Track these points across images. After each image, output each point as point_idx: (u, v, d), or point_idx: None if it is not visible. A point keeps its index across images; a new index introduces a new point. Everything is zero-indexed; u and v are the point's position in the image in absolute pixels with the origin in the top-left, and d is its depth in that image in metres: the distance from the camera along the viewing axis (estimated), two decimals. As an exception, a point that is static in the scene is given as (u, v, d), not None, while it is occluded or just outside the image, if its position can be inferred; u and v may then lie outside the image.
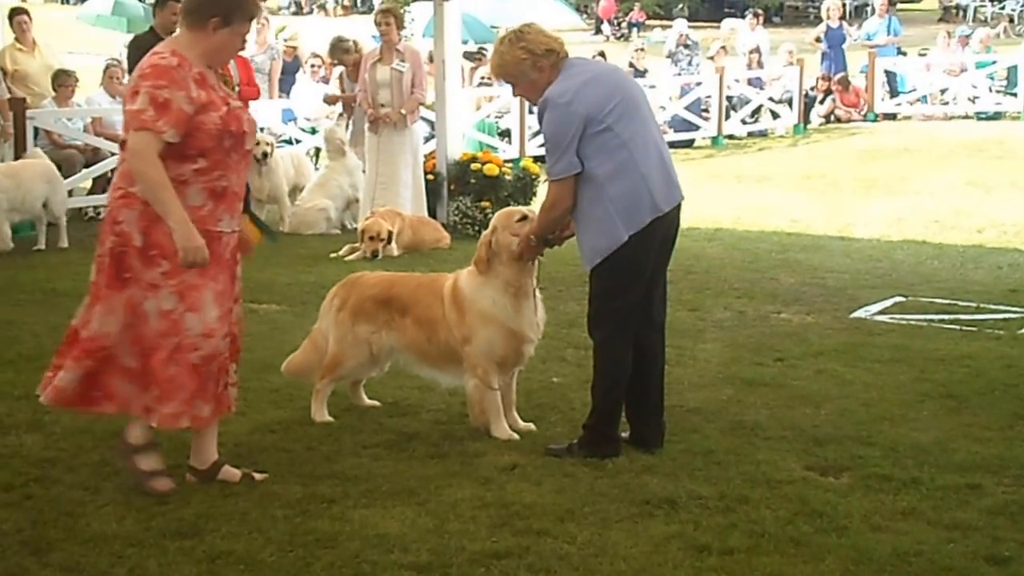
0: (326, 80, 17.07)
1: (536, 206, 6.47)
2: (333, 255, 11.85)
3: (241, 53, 6.41)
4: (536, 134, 17.48)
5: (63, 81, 14.87)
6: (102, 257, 5.25)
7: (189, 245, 5.09)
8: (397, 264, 10.98)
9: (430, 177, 13.22)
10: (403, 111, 12.68)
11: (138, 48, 12.00)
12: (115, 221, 5.19)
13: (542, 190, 13.38)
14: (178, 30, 5.33)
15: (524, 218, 6.19)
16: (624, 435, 6.03)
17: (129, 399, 5.30)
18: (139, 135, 5.09)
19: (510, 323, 6.17)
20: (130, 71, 12.28)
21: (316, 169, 15.34)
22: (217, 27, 5.23)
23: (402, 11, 13.06)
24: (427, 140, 14.50)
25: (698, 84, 22.45)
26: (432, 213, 13.13)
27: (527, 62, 5.90)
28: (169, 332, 5.17)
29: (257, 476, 5.47)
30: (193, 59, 5.21)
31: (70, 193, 14.03)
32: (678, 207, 5.95)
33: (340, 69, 14.56)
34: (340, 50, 14.18)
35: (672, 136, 20.52)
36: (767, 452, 5.97)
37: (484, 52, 21.53)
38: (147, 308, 5.17)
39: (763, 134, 23.20)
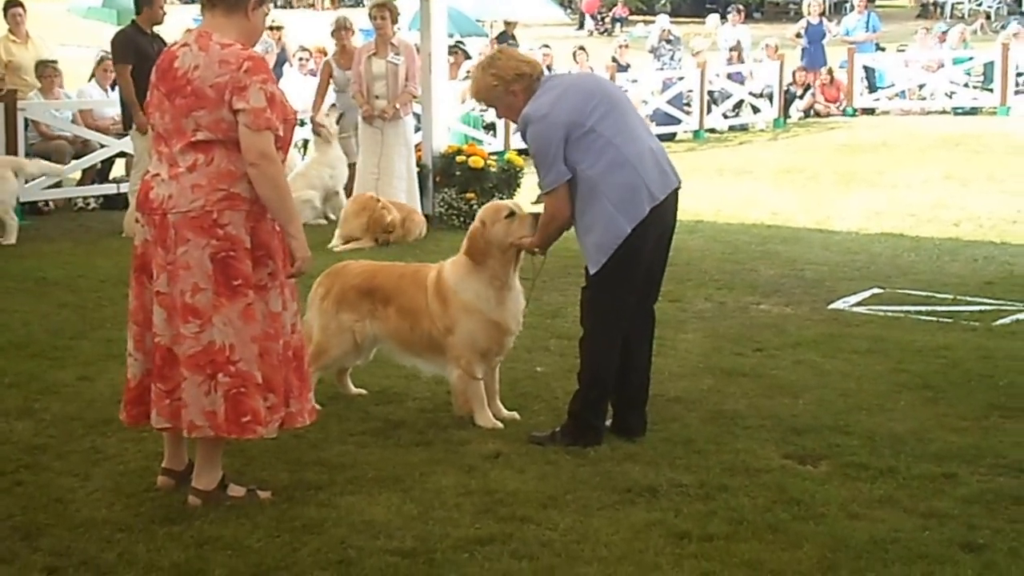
0: (315, 73, 17.02)
1: (520, 199, 6.44)
2: (337, 248, 11.81)
3: None
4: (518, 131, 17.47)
5: (45, 72, 14.85)
6: (189, 265, 4.89)
7: (307, 255, 5.04)
8: (383, 254, 10.96)
9: (417, 169, 13.20)
10: (397, 105, 12.70)
11: (123, 42, 11.99)
12: (217, 224, 4.87)
13: (526, 183, 13.45)
14: (204, 17, 5.08)
15: (512, 214, 6.16)
16: (607, 423, 6.03)
17: (279, 412, 5.09)
18: (265, 136, 4.85)
19: (493, 315, 6.17)
20: (115, 63, 12.37)
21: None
22: (255, 7, 5.06)
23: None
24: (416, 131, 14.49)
25: (680, 79, 22.46)
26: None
27: (499, 88, 5.94)
28: (277, 335, 5.02)
29: (262, 495, 5.22)
30: None
31: (58, 184, 14.03)
32: (675, 194, 5.93)
33: (326, 59, 14.53)
34: (344, 28, 14.08)
35: (654, 129, 20.45)
36: (746, 441, 5.97)
37: (461, 46, 21.49)
38: (256, 311, 4.95)
39: (744, 128, 23.24)
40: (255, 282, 4.94)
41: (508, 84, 5.92)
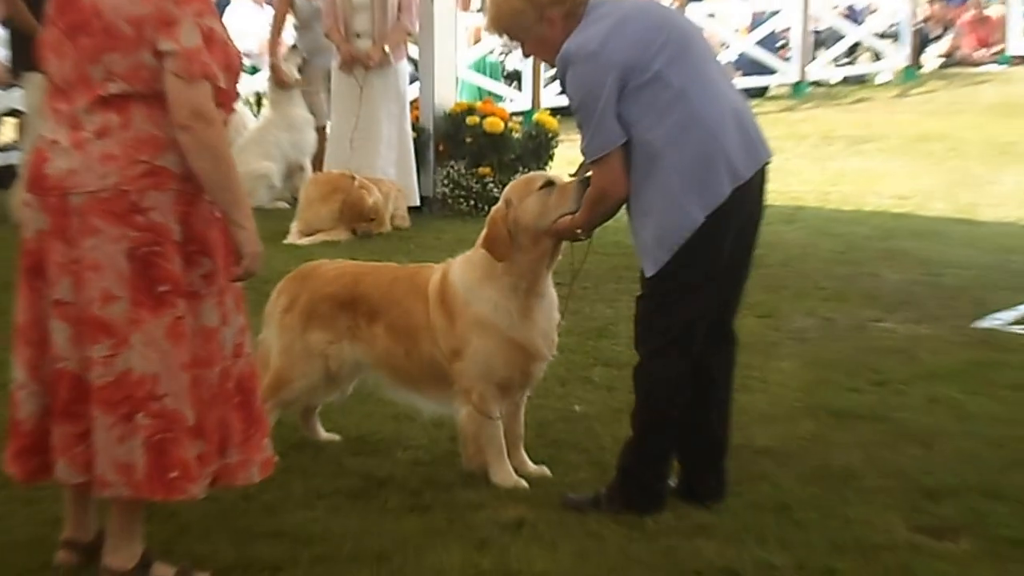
0: (270, 2, 17.07)
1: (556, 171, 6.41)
2: (299, 242, 11.85)
3: None
4: (555, 78, 17.47)
5: None
6: (99, 264, 4.87)
7: (258, 250, 5.03)
8: (365, 250, 10.98)
9: (412, 133, 13.24)
10: (386, 47, 12.70)
11: None
12: (137, 209, 4.85)
13: (563, 153, 13.45)
14: None
15: (549, 184, 6.16)
16: (671, 483, 6.03)
17: (210, 465, 5.09)
18: (200, 88, 4.82)
19: (515, 333, 6.17)
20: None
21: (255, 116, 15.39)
22: None
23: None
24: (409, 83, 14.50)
25: (774, 13, 22.45)
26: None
27: (528, 14, 5.89)
28: (212, 359, 5.02)
29: None
30: None
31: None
32: (764, 171, 5.90)
33: None
34: None
35: (739, 81, 20.52)
36: (862, 507, 5.96)
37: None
38: (187, 328, 4.93)
39: (861, 80, 23.21)
40: (186, 288, 4.93)
41: (542, 9, 5.89)
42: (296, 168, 13.72)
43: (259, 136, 13.81)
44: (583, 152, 5.83)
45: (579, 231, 6.00)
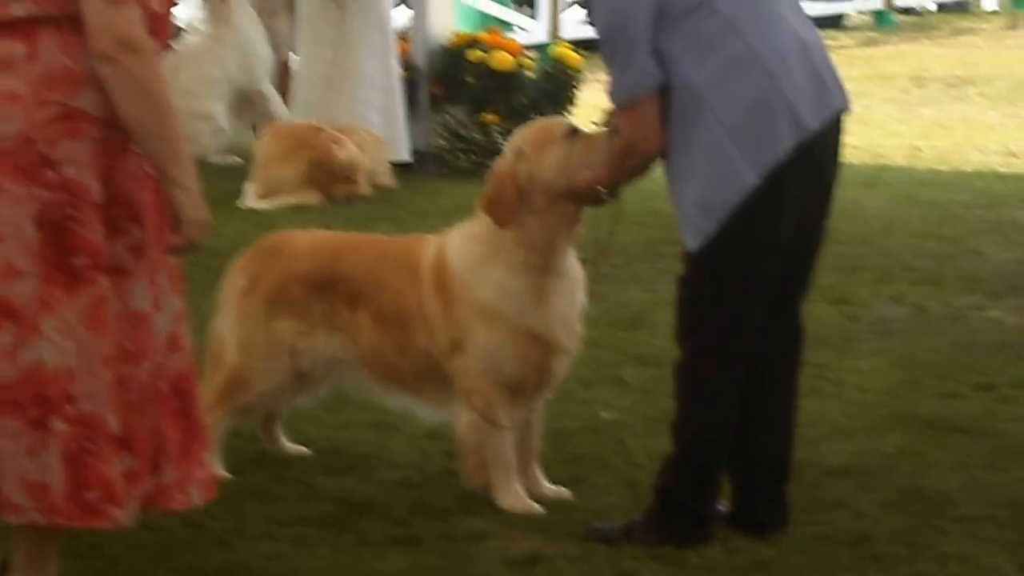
0: None
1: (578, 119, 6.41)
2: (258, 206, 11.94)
3: None
4: (578, 1, 17.50)
5: None
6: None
7: (201, 216, 4.97)
8: (345, 217, 11.02)
9: (399, 73, 13.27)
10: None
11: None
12: (47, 163, 4.82)
13: (586, 97, 13.44)
14: None
15: (574, 132, 6.18)
16: (721, 508, 6.06)
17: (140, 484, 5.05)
18: (126, 11, 4.78)
19: (528, 320, 6.19)
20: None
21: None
22: None
23: None
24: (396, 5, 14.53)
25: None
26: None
27: None
28: (143, 352, 4.99)
29: None
30: None
31: None
32: (839, 122, 5.91)
33: None
34: None
35: (807, 7, 20.49)
36: (962, 541, 5.96)
37: None
38: (111, 312, 4.89)
39: (962, 7, 23.18)
40: (109, 262, 4.90)
41: None
42: (255, 93, 13.60)
43: (195, 63, 13.63)
44: (609, 96, 5.87)
45: (601, 190, 6.03)
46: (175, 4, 5.13)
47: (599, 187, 6.01)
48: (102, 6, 4.77)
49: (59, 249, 4.83)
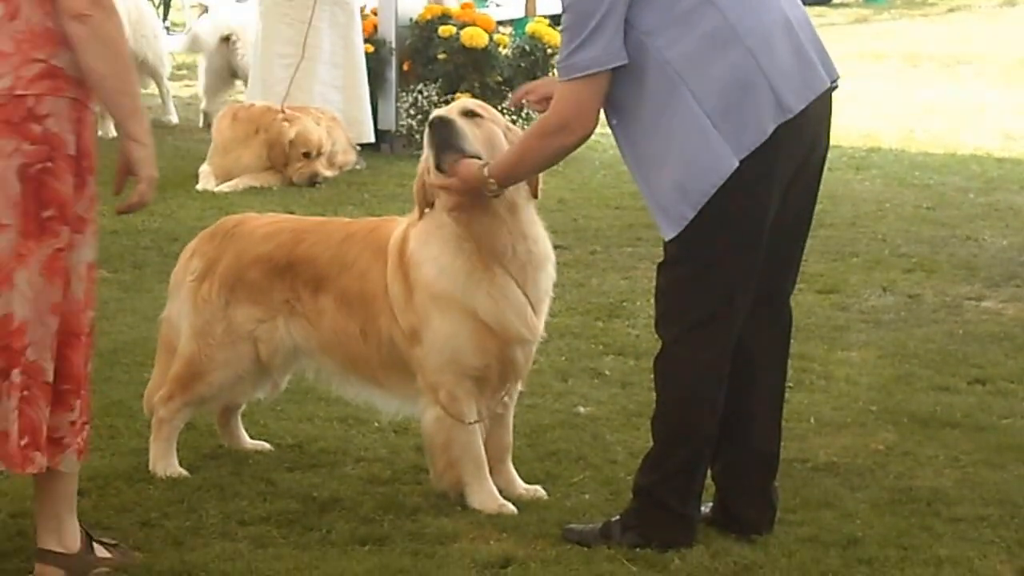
0: None
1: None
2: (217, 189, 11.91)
3: None
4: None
5: None
6: None
7: (155, 175, 5.27)
8: (306, 199, 10.93)
9: (368, 48, 13.30)
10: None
11: None
12: (33, 117, 5.08)
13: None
14: None
15: (472, 115, 6.14)
16: (705, 509, 6.02)
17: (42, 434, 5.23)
18: None
19: (476, 305, 6.14)
20: None
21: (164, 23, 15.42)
22: None
23: None
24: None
25: None
26: (372, 110, 13.24)
27: None
28: (88, 304, 5.26)
29: None
30: None
31: None
32: (826, 101, 5.85)
33: None
34: None
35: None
36: (955, 543, 5.94)
37: None
38: (71, 263, 5.20)
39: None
40: (73, 213, 5.15)
41: None
42: (141, 67, 13.79)
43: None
44: (559, 66, 5.79)
45: (491, 181, 5.93)
46: None
47: (490, 180, 5.95)
48: None
49: (36, 201, 5.07)
